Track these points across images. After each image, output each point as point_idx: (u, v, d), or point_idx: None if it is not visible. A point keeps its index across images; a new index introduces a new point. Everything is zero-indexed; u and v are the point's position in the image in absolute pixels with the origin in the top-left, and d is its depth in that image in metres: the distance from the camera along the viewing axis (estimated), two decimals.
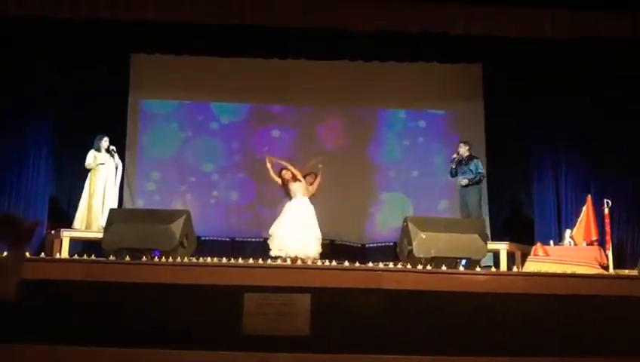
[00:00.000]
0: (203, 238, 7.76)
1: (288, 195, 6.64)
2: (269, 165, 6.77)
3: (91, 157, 7.47)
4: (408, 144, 8.79)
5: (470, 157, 7.68)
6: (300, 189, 6.58)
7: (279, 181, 6.69)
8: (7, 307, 4.20)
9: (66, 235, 6.92)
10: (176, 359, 4.31)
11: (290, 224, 6.37)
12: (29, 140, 7.65)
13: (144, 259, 4.87)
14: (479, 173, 7.57)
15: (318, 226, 6.48)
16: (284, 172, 6.66)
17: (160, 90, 8.60)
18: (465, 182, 7.53)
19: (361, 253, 8.30)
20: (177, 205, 8.22)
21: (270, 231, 6.50)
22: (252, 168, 8.54)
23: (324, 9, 7.10)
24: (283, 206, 6.71)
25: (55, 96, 7.86)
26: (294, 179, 6.61)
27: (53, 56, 7.75)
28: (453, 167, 7.67)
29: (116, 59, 8.27)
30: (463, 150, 7.68)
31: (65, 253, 6.67)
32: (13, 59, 7.44)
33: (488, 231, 7.42)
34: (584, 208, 7.20)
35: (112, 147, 7.56)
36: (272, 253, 6.31)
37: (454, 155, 7.71)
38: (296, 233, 6.30)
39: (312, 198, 6.69)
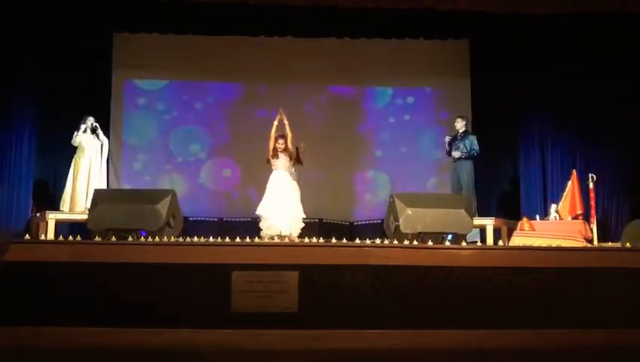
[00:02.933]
0: (191, 219, 7.76)
1: (271, 160, 6.56)
2: (276, 122, 6.62)
3: (76, 139, 7.39)
4: (395, 121, 8.78)
5: (465, 133, 7.68)
6: (284, 164, 6.54)
7: (272, 143, 6.58)
8: None
9: (52, 217, 6.89)
10: (166, 338, 4.32)
11: (275, 204, 6.35)
12: (11, 122, 7.55)
13: (130, 239, 4.85)
14: (473, 149, 7.57)
15: (301, 205, 6.47)
16: (281, 141, 6.55)
17: (144, 70, 8.49)
18: (457, 154, 7.53)
19: (349, 230, 8.35)
20: (164, 185, 8.18)
21: (258, 212, 6.49)
22: (239, 148, 8.50)
23: None
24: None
25: (37, 77, 7.75)
26: (285, 151, 6.53)
27: (35, 35, 7.61)
28: (447, 141, 7.67)
29: (99, 38, 8.14)
30: (460, 125, 7.68)
31: (51, 235, 6.63)
32: None
33: (475, 207, 7.48)
34: (569, 183, 7.28)
35: (95, 124, 7.47)
36: (263, 233, 6.33)
37: (446, 137, 7.69)
38: (282, 213, 6.31)
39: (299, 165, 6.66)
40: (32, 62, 7.65)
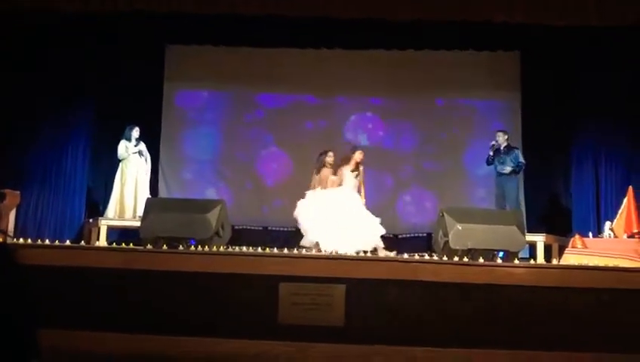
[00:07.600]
0: (237, 227, 7.82)
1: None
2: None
3: (123, 148, 7.60)
4: (443, 133, 8.67)
5: (509, 147, 7.61)
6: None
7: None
8: (49, 294, 4.33)
9: (104, 224, 7.07)
10: (213, 347, 4.37)
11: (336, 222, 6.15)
12: (67, 130, 7.78)
13: (181, 247, 4.93)
14: (520, 163, 7.53)
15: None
16: (330, 154, 6.56)
17: (195, 81, 8.67)
18: (508, 169, 7.49)
19: (394, 243, 8.24)
20: (212, 194, 8.31)
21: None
22: (286, 158, 8.57)
23: None
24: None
25: (93, 87, 7.99)
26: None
27: (93, 47, 7.85)
28: (491, 154, 7.61)
29: (152, 50, 8.36)
30: (502, 139, 7.63)
31: (103, 241, 6.82)
32: (54, 50, 7.56)
33: (524, 222, 7.30)
34: (625, 199, 7.00)
35: (141, 145, 7.61)
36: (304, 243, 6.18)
37: (492, 143, 7.63)
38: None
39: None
40: (87, 72, 7.88)
